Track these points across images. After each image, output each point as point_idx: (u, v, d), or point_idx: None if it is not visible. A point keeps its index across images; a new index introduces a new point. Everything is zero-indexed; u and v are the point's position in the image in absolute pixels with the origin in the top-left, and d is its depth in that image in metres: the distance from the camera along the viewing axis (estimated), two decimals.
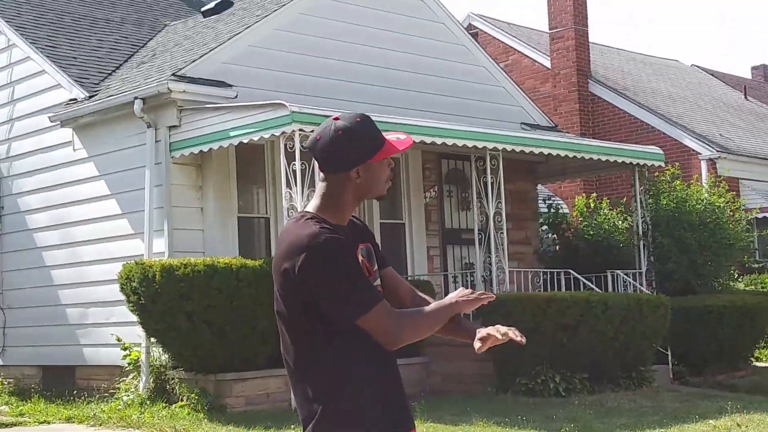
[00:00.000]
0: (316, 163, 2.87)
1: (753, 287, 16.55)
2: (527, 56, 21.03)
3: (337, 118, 2.86)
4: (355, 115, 2.88)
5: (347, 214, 2.88)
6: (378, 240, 2.84)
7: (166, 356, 10.39)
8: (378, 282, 2.93)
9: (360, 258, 2.83)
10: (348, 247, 2.75)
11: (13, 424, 9.81)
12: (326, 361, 2.73)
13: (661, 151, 14.30)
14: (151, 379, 10.45)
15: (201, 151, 10.99)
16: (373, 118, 9.51)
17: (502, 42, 21.44)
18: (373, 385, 2.74)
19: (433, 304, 2.83)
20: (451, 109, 13.83)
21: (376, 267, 2.95)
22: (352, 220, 2.95)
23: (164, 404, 9.96)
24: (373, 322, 2.71)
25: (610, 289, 13.37)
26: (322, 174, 2.88)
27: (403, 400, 2.85)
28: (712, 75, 26.65)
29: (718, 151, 18.20)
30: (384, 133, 2.89)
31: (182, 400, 9.94)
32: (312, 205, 2.86)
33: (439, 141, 11.57)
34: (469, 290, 2.87)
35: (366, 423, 2.72)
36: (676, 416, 9.89)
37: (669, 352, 13.18)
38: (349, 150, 2.81)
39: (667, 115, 19.39)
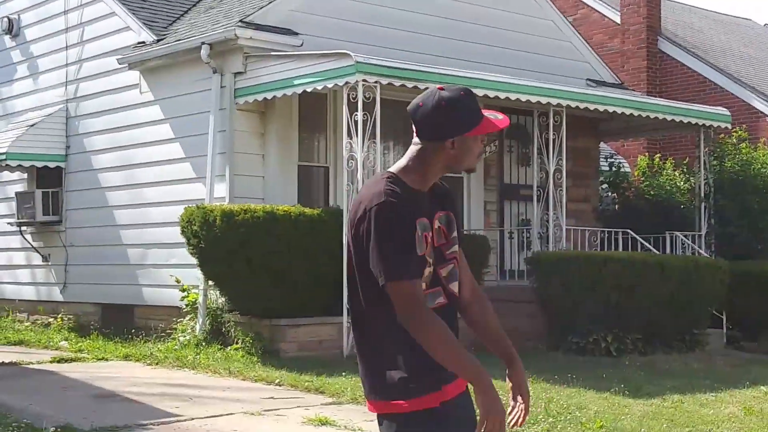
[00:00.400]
0: (414, 127, 2.92)
1: None
2: (597, 10, 20.59)
3: (441, 88, 2.93)
4: (460, 88, 2.92)
5: (431, 181, 2.93)
6: None
7: (223, 299, 10.54)
8: (455, 249, 2.96)
9: (421, 230, 2.84)
10: (406, 215, 2.79)
11: (72, 359, 10.09)
12: (380, 318, 2.83)
13: (728, 113, 14.00)
14: (208, 321, 10.62)
15: (265, 98, 11.03)
16: (436, 71, 9.37)
17: None
18: (419, 347, 2.78)
19: (464, 353, 2.77)
20: (516, 63, 13.65)
21: (455, 234, 2.99)
22: (436, 185, 2.99)
23: (219, 346, 10.13)
24: (397, 295, 2.76)
25: (668, 250, 13.23)
26: (416, 138, 2.93)
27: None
28: None
29: None
30: (483, 110, 2.92)
31: (237, 343, 10.10)
32: (397, 166, 2.92)
33: (502, 96, 11.46)
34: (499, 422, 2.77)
35: (413, 380, 2.80)
36: (728, 380, 9.80)
37: (724, 317, 13.04)
38: (449, 120, 2.87)
39: (737, 75, 18.89)
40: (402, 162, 2.93)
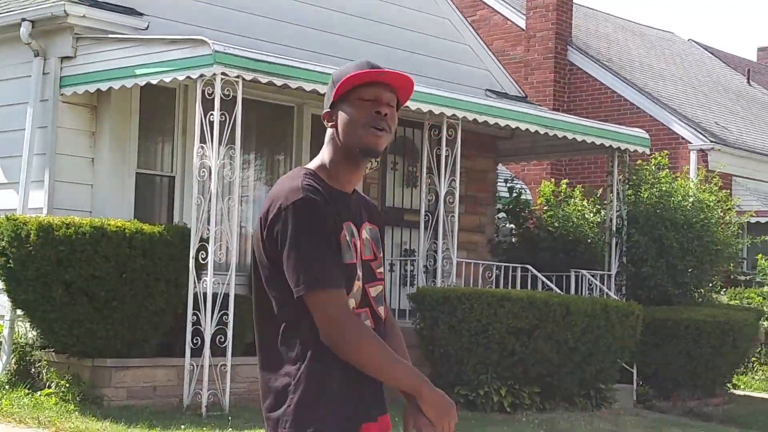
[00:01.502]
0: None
1: (737, 302, 16.68)
2: (498, 12, 20.91)
3: None
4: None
5: (342, 179, 2.91)
6: None
7: (34, 333, 10.13)
8: (381, 269, 2.98)
9: (348, 234, 2.85)
10: (329, 214, 2.80)
11: None
12: (298, 335, 2.82)
13: (648, 136, 14.30)
14: (14, 360, 10.18)
15: (98, 89, 10.68)
16: (311, 68, 9.17)
17: None
18: (344, 369, 2.80)
19: (402, 361, 2.83)
20: (404, 65, 13.60)
21: (382, 253, 3.01)
22: (363, 197, 3.03)
23: (27, 390, 9.70)
24: (320, 307, 2.77)
25: (573, 291, 13.35)
26: None
27: (375, 385, 2.90)
28: (712, 53, 26.83)
29: (711, 142, 18.28)
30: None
31: (50, 387, 9.68)
32: (312, 162, 2.96)
33: None
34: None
35: (332, 406, 2.81)
36: None
37: (635, 370, 13.20)
38: (327, 92, 2.94)
39: (655, 94, 19.44)
40: (317, 158, 2.95)
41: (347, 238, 2.84)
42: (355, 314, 2.82)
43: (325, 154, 2.93)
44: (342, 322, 2.76)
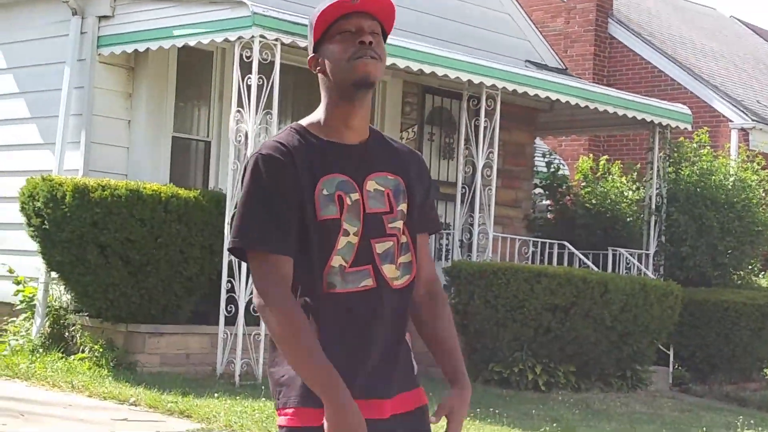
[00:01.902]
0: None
1: None
2: None
3: None
4: None
5: (340, 126, 2.76)
6: None
7: (69, 297, 10.16)
8: (398, 224, 2.79)
9: (328, 188, 2.69)
10: (285, 170, 2.66)
11: None
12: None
13: (690, 112, 14.20)
14: (48, 323, 10.21)
15: (136, 50, 10.68)
16: None
17: None
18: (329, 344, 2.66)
19: (317, 357, 2.60)
20: (443, 33, 13.56)
21: (402, 205, 2.81)
22: (389, 145, 2.85)
23: (61, 354, 9.74)
24: (251, 267, 2.68)
25: (610, 269, 13.31)
26: None
27: (372, 364, 2.73)
28: (754, 31, 26.57)
29: (753, 121, 18.11)
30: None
31: (83, 352, 9.73)
32: (308, 117, 2.82)
33: (427, 69, 11.34)
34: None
35: (293, 386, 2.69)
36: (677, 427, 9.87)
37: (671, 353, 13.18)
38: (308, 37, 2.81)
39: (696, 71, 19.28)
40: (314, 113, 2.82)
41: (324, 192, 2.69)
42: (282, 283, 2.63)
43: (320, 106, 2.80)
44: (265, 293, 2.63)
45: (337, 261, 2.69)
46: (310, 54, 2.78)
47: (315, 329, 2.66)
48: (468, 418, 8.66)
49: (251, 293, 9.58)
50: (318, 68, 2.76)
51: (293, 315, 2.61)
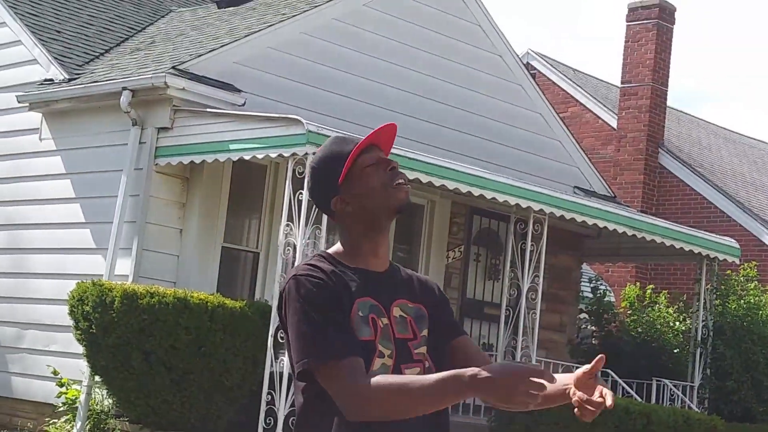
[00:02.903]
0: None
1: None
2: (590, 110, 21.02)
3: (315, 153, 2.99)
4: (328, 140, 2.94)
5: (366, 255, 2.86)
6: None
7: (111, 401, 10.25)
8: (422, 349, 2.84)
9: (362, 310, 2.76)
10: (332, 287, 2.73)
11: None
12: (310, 426, 2.77)
13: (737, 245, 14.18)
14: (88, 426, 10.29)
15: (192, 161, 10.93)
16: (401, 153, 9.31)
17: (562, 89, 21.45)
18: None
19: (434, 376, 2.60)
20: (494, 156, 13.76)
21: (423, 332, 2.87)
22: (410, 275, 2.94)
23: None
24: (327, 380, 2.66)
25: (653, 400, 13.17)
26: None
27: None
28: None
29: None
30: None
31: None
32: (330, 248, 2.93)
33: (476, 192, 11.48)
34: (525, 368, 2.49)
35: None
36: None
37: None
38: (318, 183, 2.90)
39: (746, 204, 19.28)
40: (334, 246, 2.93)
41: (359, 313, 2.76)
42: (370, 377, 2.62)
43: (340, 240, 2.90)
44: (357, 393, 2.61)
45: None
46: (329, 199, 2.86)
47: None
48: None
49: (291, 406, 9.65)
50: (347, 206, 2.85)
51: (384, 380, 2.61)
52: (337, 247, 2.90)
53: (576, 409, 2.72)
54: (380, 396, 2.60)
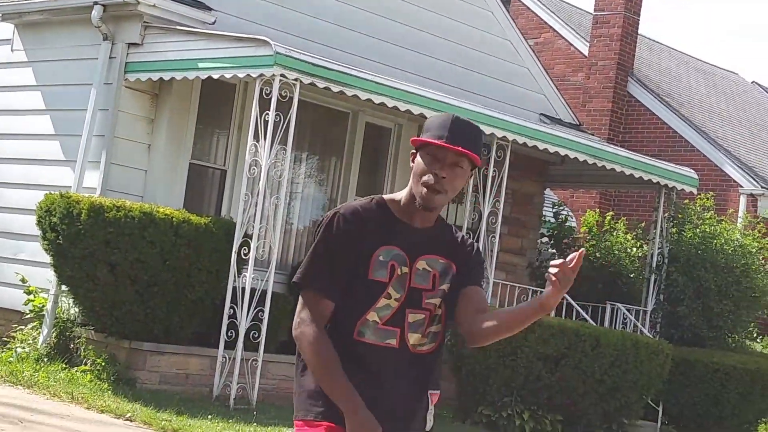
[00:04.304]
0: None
1: None
2: (563, 37, 21.14)
3: None
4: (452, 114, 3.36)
5: (409, 213, 3.27)
6: None
7: (76, 310, 10.46)
8: (434, 300, 3.26)
9: (385, 256, 3.21)
10: (353, 231, 3.20)
11: None
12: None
13: (696, 176, 14.48)
14: (54, 334, 10.52)
15: (161, 78, 11.05)
16: (368, 77, 9.66)
17: (536, 15, 21.53)
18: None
19: (338, 376, 3.15)
20: (461, 82, 13.93)
21: (444, 285, 3.29)
22: (452, 235, 3.37)
23: (64, 365, 10.04)
24: (300, 302, 3.25)
25: (607, 323, 13.57)
26: None
27: (382, 408, 3.18)
28: None
29: (762, 187, 18.36)
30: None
31: (86, 364, 10.02)
32: (397, 193, 3.38)
33: None
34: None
35: (307, 402, 3.22)
36: None
37: (660, 409, 13.39)
38: (419, 131, 3.50)
39: (712, 134, 19.56)
40: (405, 189, 3.35)
41: (380, 258, 3.21)
42: (320, 321, 3.19)
43: (407, 188, 3.32)
44: (303, 323, 3.19)
45: (372, 316, 3.23)
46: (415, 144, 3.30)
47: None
48: None
49: (251, 320, 9.95)
50: (413, 165, 3.29)
51: (324, 346, 3.17)
52: (400, 194, 3.32)
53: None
54: (302, 345, 3.20)
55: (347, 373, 3.15)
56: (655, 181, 13.90)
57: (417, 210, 3.26)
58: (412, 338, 3.26)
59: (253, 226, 10.10)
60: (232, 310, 10.05)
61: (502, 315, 3.26)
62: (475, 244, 3.42)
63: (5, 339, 11.08)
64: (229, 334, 10.03)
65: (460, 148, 3.20)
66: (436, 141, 3.20)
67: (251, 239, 10.06)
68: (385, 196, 3.32)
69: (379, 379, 3.21)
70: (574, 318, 13.07)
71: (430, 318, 3.27)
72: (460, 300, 3.29)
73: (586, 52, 20.32)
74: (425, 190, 3.22)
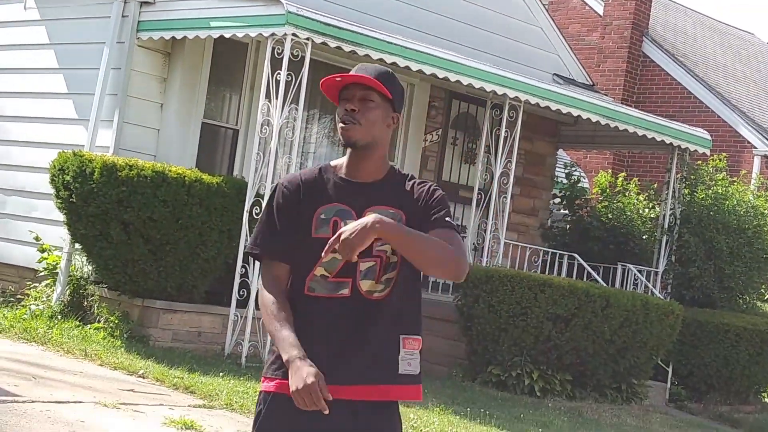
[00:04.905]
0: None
1: None
2: None
3: None
4: None
5: (351, 169, 3.45)
6: None
7: (90, 268, 10.55)
8: (385, 247, 3.35)
9: (326, 214, 3.37)
10: (290, 197, 3.42)
11: None
12: None
13: (709, 137, 14.46)
14: (68, 291, 10.62)
15: (173, 37, 11.06)
16: (380, 37, 9.78)
17: None
18: (298, 330, 3.35)
19: (282, 329, 3.33)
20: (474, 42, 13.90)
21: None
22: (399, 185, 3.45)
23: (78, 323, 10.15)
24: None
25: (617, 284, 13.63)
26: None
27: (335, 355, 3.33)
28: None
29: None
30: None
31: (99, 322, 10.13)
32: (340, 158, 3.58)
33: (452, 78, 11.68)
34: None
35: (270, 361, 3.41)
36: None
37: (670, 369, 13.47)
38: None
39: (726, 95, 19.49)
40: None
41: (321, 216, 3.38)
42: (265, 278, 3.42)
43: None
44: (260, 288, 3.45)
45: (319, 271, 3.37)
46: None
47: (292, 319, 3.36)
48: (458, 416, 9.03)
49: None
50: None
51: (270, 302, 3.37)
52: (344, 158, 3.50)
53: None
54: (260, 301, 3.43)
55: (302, 328, 3.31)
56: (668, 142, 13.90)
57: (358, 163, 3.43)
58: (365, 285, 3.37)
59: (265, 186, 10.16)
60: (244, 270, 10.13)
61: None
62: (429, 184, 3.49)
63: (19, 296, 11.19)
64: (241, 293, 10.12)
65: (358, 76, 3.38)
66: (333, 78, 3.40)
67: (263, 199, 10.12)
68: (332, 162, 3.50)
69: (331, 328, 3.35)
70: (584, 279, 13.11)
71: (382, 265, 3.37)
72: None
73: (601, 12, 20.24)
74: (342, 125, 3.40)
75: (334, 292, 3.36)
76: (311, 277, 3.37)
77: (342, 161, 3.48)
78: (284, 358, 3.27)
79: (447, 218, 3.40)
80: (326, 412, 3.18)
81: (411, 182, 3.46)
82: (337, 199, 3.40)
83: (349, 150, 3.44)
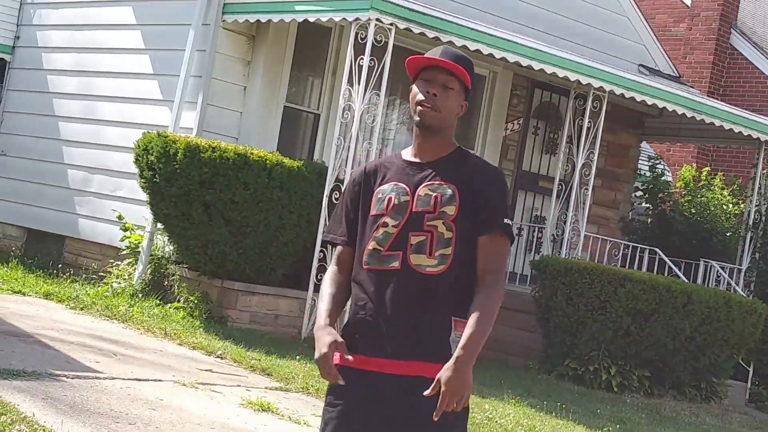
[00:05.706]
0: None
1: None
2: None
3: None
4: None
5: (415, 149, 3.60)
6: None
7: (171, 248, 10.69)
8: (436, 222, 3.48)
9: (385, 192, 3.55)
10: (352, 187, 3.66)
11: None
12: None
13: None
14: (149, 270, 10.77)
15: (258, 20, 11.15)
16: (464, 24, 9.78)
17: None
18: (355, 307, 3.57)
19: (321, 305, 3.63)
20: (557, 29, 13.79)
21: (445, 208, 3.49)
22: (453, 161, 3.57)
23: (158, 301, 10.29)
24: None
25: (699, 281, 13.44)
26: None
27: (384, 327, 3.46)
28: None
29: None
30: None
31: (179, 301, 10.26)
32: None
33: (536, 66, 11.60)
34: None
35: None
36: None
37: (751, 369, 13.27)
38: None
39: None
40: None
41: (378, 195, 3.57)
42: (333, 261, 3.67)
43: None
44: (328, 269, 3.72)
45: (372, 245, 3.54)
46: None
47: (340, 296, 3.64)
48: (533, 409, 8.99)
49: None
50: (410, 93, 3.63)
51: (325, 280, 3.68)
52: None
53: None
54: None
55: (354, 299, 3.55)
56: (755, 136, 13.67)
57: (423, 141, 3.55)
58: (416, 259, 3.48)
59: (345, 171, 10.19)
60: (322, 254, 10.19)
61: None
62: (492, 169, 3.61)
63: (102, 274, 11.38)
64: (318, 277, 10.17)
65: (449, 62, 3.47)
66: (427, 56, 3.51)
67: (342, 184, 10.15)
68: (403, 150, 3.67)
69: (383, 302, 3.47)
70: (665, 274, 12.95)
71: (433, 239, 3.47)
72: (477, 250, 3.50)
73: (688, 2, 19.92)
74: (419, 108, 3.50)
75: (385, 264, 3.50)
76: (366, 251, 3.55)
77: (409, 148, 3.65)
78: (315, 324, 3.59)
79: (502, 220, 3.51)
80: (340, 382, 3.40)
81: (474, 162, 3.59)
82: (396, 178, 3.57)
83: (415, 129, 3.58)
